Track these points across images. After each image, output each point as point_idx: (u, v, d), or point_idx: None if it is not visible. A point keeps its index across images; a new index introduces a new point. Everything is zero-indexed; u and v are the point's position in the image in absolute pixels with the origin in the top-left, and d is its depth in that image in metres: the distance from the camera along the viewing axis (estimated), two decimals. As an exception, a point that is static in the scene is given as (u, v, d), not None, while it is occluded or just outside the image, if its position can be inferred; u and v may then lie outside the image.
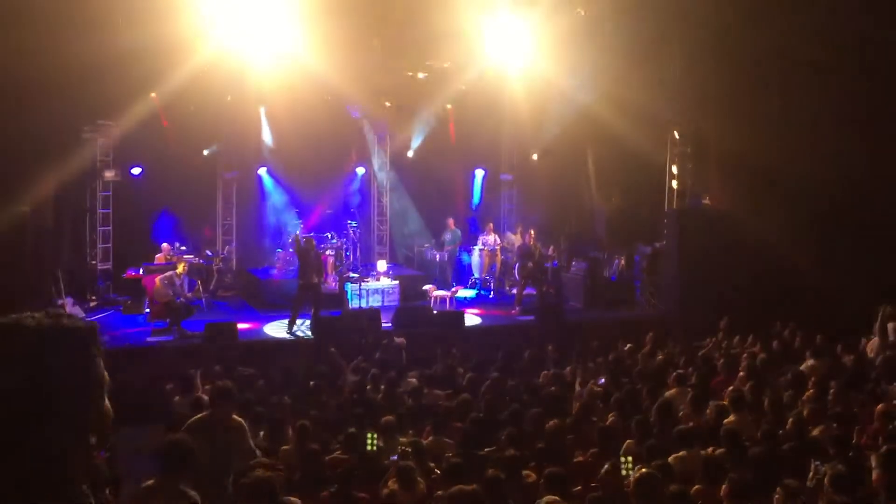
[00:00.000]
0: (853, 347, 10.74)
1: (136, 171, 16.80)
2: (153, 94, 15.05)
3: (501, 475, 5.45)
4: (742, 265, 14.61)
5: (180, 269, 13.35)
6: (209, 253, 17.02)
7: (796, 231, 14.09)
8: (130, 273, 15.29)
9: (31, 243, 12.12)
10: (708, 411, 7.71)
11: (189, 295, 13.58)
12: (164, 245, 15.39)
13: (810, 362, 9.90)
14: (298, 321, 13.51)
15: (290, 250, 15.73)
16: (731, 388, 8.42)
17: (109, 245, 16.69)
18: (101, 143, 16.42)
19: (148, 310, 13.70)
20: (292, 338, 13.18)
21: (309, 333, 13.24)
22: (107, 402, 1.69)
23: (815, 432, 6.92)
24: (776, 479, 5.33)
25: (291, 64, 14.17)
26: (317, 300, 13.57)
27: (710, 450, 6.42)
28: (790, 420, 7.17)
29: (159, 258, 15.05)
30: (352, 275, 15.12)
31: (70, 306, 13.53)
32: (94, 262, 16.43)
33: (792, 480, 5.21)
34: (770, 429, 6.85)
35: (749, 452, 6.17)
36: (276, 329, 13.65)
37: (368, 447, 6.72)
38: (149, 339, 12.80)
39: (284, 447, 7.10)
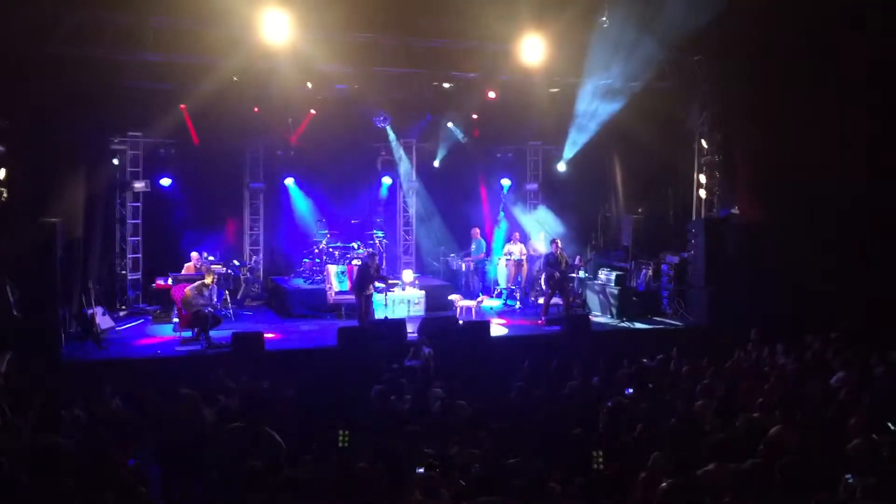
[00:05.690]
0: (885, 358, 10.54)
1: (165, 181, 17.00)
2: (182, 106, 15.25)
3: (527, 486, 5.42)
4: (772, 275, 14.44)
5: (209, 279, 13.44)
6: (237, 263, 17.13)
7: (827, 241, 13.90)
8: (159, 283, 15.44)
9: (60, 253, 12.25)
10: (737, 423, 7.61)
11: (217, 304, 13.65)
12: (193, 254, 15.47)
13: (841, 374, 9.75)
14: None
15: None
16: (760, 400, 8.30)
17: (139, 255, 16.89)
18: (131, 155, 16.66)
19: (176, 319, 13.80)
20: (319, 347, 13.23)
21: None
22: None
23: (847, 445, 6.79)
24: (808, 492, 5.25)
25: (318, 75, 14.28)
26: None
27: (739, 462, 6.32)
28: (821, 432, 7.05)
29: (188, 268, 15.14)
30: (377, 284, 15.14)
31: (100, 316, 13.67)
32: (123, 272, 16.62)
33: (824, 493, 5.14)
34: (801, 441, 6.74)
35: (779, 465, 6.08)
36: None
37: (340, 444, 6.79)
38: (177, 348, 12.93)
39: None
